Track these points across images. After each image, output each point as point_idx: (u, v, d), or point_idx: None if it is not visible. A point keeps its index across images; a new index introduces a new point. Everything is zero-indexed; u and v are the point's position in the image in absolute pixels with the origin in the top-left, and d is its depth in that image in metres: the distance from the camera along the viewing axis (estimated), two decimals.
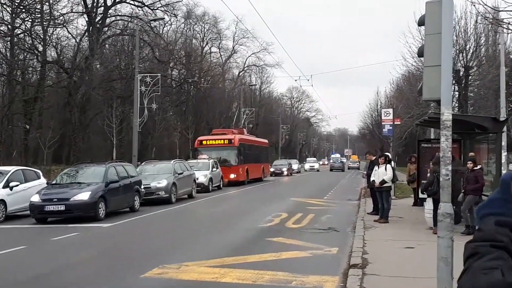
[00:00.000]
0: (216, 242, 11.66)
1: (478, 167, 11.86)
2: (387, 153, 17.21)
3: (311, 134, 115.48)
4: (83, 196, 15.05)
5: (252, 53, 76.88)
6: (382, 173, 14.36)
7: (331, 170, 67.57)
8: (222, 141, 32.41)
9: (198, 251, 10.56)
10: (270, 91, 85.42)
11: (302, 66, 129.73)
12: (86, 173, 16.86)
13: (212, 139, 32.74)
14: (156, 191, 20.32)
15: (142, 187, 19.08)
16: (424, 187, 12.47)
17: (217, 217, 16.60)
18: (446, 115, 6.44)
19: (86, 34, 41.39)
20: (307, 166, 66.87)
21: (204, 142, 32.63)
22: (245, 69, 77.55)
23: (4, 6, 33.24)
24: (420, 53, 7.29)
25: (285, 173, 48.95)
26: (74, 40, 41.02)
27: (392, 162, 17.73)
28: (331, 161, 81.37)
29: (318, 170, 64.58)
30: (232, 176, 31.46)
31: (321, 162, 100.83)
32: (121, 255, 10.35)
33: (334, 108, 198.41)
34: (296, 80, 54.92)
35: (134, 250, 10.90)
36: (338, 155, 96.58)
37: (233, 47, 73.15)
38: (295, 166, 58.14)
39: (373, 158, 16.60)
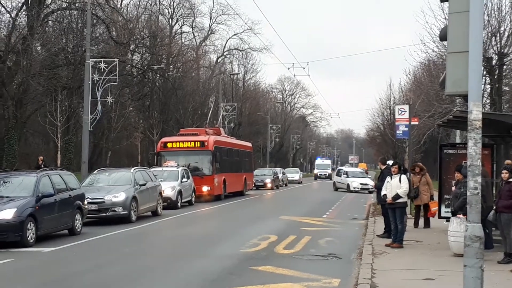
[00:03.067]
0: (187, 272, 11.63)
1: None
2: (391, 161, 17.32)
3: (307, 136, 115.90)
4: (6, 214, 14.51)
5: (234, 34, 77.20)
6: (395, 186, 14.43)
7: None
8: (192, 144, 32.20)
9: (164, 283, 10.53)
10: (256, 82, 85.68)
11: (296, 51, 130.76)
12: (11, 185, 16.31)
13: (179, 141, 32.49)
14: (111, 207, 20.22)
15: (88, 200, 18.83)
16: (460, 204, 12.50)
17: (189, 240, 16.57)
18: (475, 113, 6.51)
19: (24, 7, 41.12)
20: (354, 184, 45.40)
21: (169, 145, 32.44)
22: (225, 53, 77.74)
23: None
24: (443, 36, 7.37)
25: (269, 185, 47.67)
26: (8, 15, 40.76)
27: (408, 173, 17.89)
28: (316, 167, 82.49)
29: (370, 192, 42.36)
30: (205, 189, 31.29)
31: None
32: None
33: (336, 104, 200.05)
34: (289, 69, 54.57)
35: (83, 281, 10.84)
36: (328, 161, 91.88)
37: (210, 26, 73.25)
38: (279, 176, 53.09)
39: (384, 166, 16.71)
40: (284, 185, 54.51)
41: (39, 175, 16.42)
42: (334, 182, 49.64)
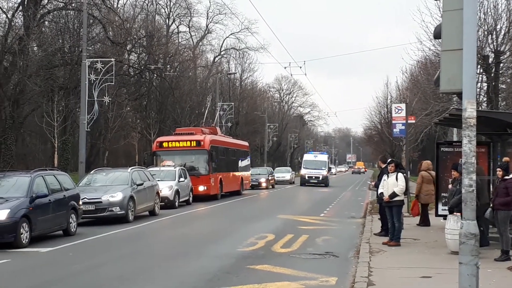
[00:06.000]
0: (185, 271, 11.64)
1: (510, 176, 12.01)
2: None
3: (304, 136, 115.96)
4: None
5: (231, 34, 77.22)
6: (392, 184, 14.45)
7: (352, 173, 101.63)
8: (188, 143, 32.15)
9: (161, 283, 10.53)
10: (253, 81, 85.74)
11: (293, 50, 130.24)
12: (5, 185, 16.23)
13: (175, 141, 32.44)
14: (108, 207, 20.23)
15: (85, 200, 19.04)
16: (457, 201, 12.44)
17: (186, 240, 16.57)
18: (469, 111, 6.52)
19: (20, 8, 41.07)
20: None
21: (165, 145, 32.40)
22: (222, 53, 77.74)
23: None
24: (437, 34, 7.40)
25: (264, 184, 46.80)
26: (4, 15, 40.70)
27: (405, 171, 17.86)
28: (304, 166, 53.53)
29: None
30: (201, 188, 31.25)
31: (337, 169, 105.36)
32: None
33: (334, 103, 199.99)
34: (285, 68, 54.55)
35: (80, 281, 10.84)
36: (323, 157, 55.46)
37: (207, 26, 73.27)
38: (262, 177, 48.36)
39: (384, 165, 16.70)
40: (270, 186, 48.34)
41: (33, 175, 16.30)
42: None
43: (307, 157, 56.10)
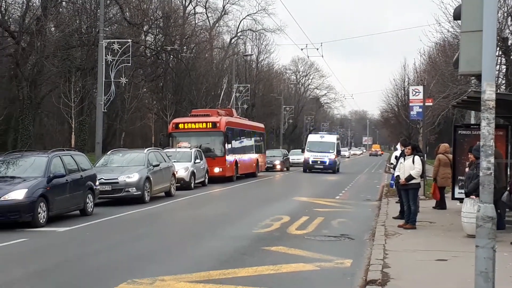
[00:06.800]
0: (200, 251, 11.70)
1: None
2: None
3: (321, 118, 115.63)
4: (17, 194, 14.55)
5: (248, 15, 77.01)
6: (408, 167, 14.39)
7: (370, 155, 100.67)
8: (204, 125, 32.25)
9: (177, 263, 10.59)
10: (269, 63, 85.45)
11: (310, 31, 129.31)
12: (22, 165, 16.38)
13: (191, 122, 32.55)
14: (125, 187, 20.35)
15: (101, 181, 19.21)
16: (474, 186, 12.34)
17: (202, 220, 16.66)
18: (489, 93, 6.46)
19: None
20: None
21: (180, 126, 32.50)
22: (238, 34, 77.48)
23: None
24: (457, 15, 7.32)
25: (278, 167, 46.32)
26: None
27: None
28: (308, 148, 45.14)
29: None
30: (216, 170, 31.38)
31: (350, 152, 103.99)
32: (81, 268, 10.38)
33: (350, 85, 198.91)
34: (302, 50, 53.60)
35: (97, 260, 10.93)
36: (331, 138, 46.77)
37: (224, 7, 72.98)
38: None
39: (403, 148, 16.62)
40: (285, 169, 47.67)
41: (50, 155, 16.42)
42: None
43: (312, 137, 48.03)
